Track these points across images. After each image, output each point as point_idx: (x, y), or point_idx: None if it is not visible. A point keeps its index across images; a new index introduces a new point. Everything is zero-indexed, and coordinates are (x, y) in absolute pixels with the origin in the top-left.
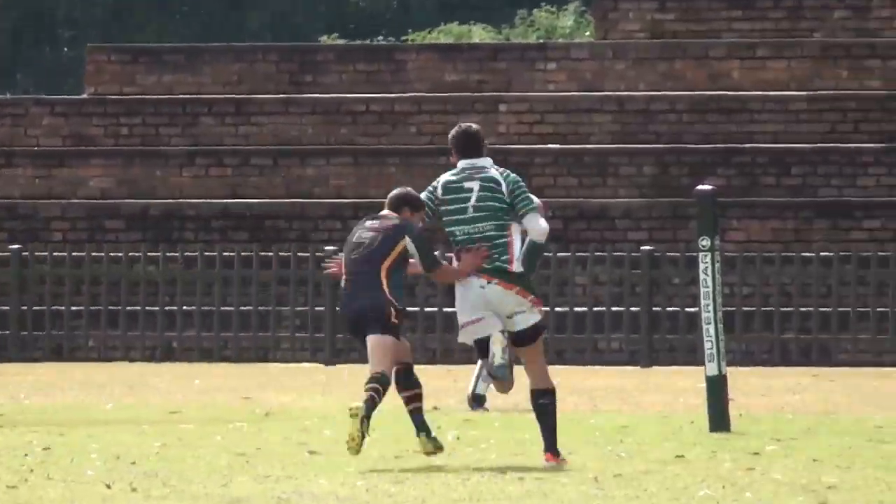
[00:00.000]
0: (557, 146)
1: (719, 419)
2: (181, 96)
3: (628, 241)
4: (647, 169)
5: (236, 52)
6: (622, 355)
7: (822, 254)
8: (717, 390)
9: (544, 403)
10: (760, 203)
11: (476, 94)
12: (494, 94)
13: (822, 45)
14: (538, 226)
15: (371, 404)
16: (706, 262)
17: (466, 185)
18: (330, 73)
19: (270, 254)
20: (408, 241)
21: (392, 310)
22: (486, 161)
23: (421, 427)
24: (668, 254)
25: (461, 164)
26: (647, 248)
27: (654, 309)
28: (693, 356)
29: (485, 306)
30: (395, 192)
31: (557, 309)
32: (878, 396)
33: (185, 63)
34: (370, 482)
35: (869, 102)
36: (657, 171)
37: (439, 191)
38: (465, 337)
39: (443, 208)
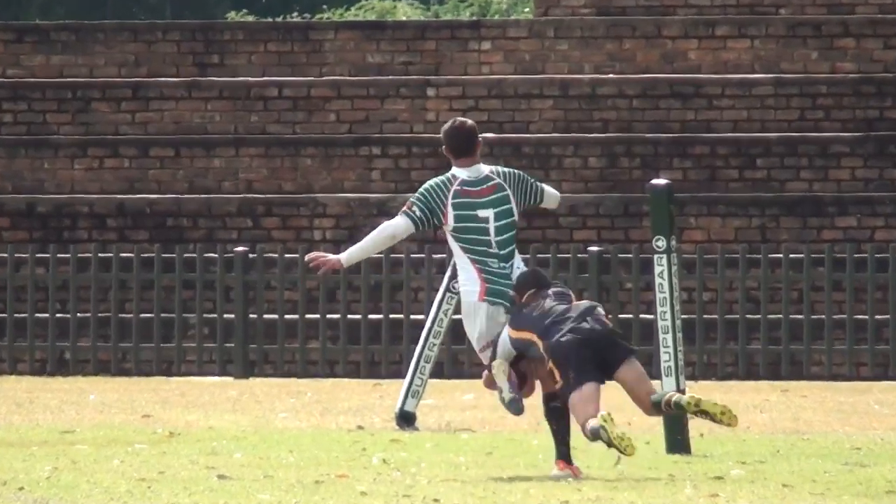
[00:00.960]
0: (493, 135)
1: (678, 440)
2: (72, 80)
3: (574, 241)
4: (594, 161)
5: (133, 30)
6: None
7: (791, 255)
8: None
9: (558, 406)
10: (722, 199)
11: (402, 77)
12: (422, 77)
13: (789, 22)
14: (554, 193)
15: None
16: (662, 265)
17: (481, 213)
18: (238, 53)
19: (173, 255)
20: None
21: None
22: (483, 167)
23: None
24: (620, 255)
25: (461, 174)
26: (596, 248)
27: None
28: (648, 369)
29: (497, 327)
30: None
31: None
32: (855, 414)
33: (75, 43)
34: None
35: (841, 87)
36: (605, 163)
37: (451, 218)
38: (484, 358)
39: (458, 234)
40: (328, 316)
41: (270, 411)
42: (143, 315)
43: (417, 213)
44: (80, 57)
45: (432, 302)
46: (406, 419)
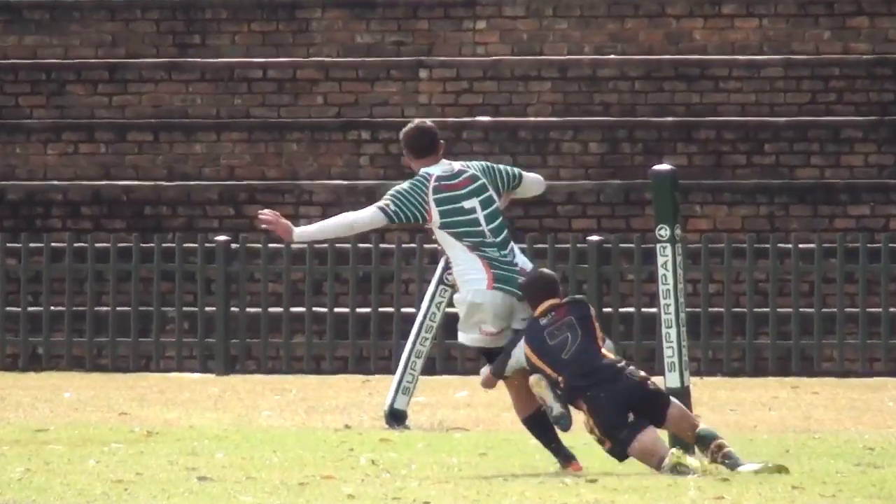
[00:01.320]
0: (489, 119)
1: (681, 440)
2: (45, 61)
3: (573, 230)
4: (595, 146)
5: (110, 8)
6: None
7: (801, 245)
8: None
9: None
10: (728, 186)
11: (393, 58)
12: (414, 58)
13: (800, 0)
14: (538, 178)
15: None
16: (665, 256)
17: (466, 205)
18: (221, 33)
19: (152, 245)
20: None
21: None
22: (453, 162)
23: None
24: (621, 245)
25: (434, 171)
26: (596, 238)
27: (604, 310)
28: (651, 365)
29: (507, 317)
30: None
31: None
32: (868, 412)
33: (50, 22)
34: None
35: (855, 68)
36: (606, 148)
37: (435, 214)
38: (479, 342)
39: (449, 228)
40: (314, 309)
41: (253, 409)
42: (119, 308)
43: (392, 206)
44: (55, 37)
45: (424, 294)
46: (396, 417)
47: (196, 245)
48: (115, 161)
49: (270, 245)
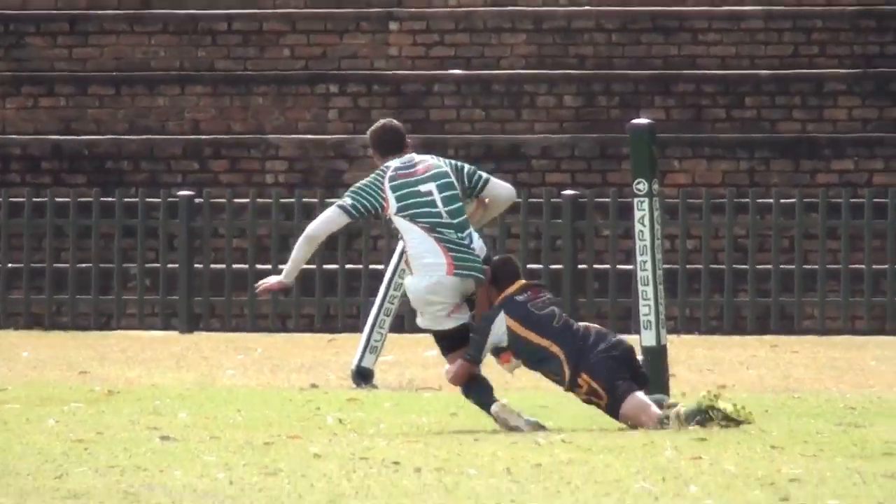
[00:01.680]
0: (461, 72)
1: (656, 398)
2: (3, 12)
3: (546, 184)
4: (570, 99)
5: None
6: None
7: (782, 200)
8: (655, 364)
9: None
10: (707, 140)
11: (362, 9)
12: (384, 9)
13: None
14: (507, 187)
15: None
16: (643, 210)
17: (422, 188)
18: None
19: (113, 200)
20: None
21: None
22: (411, 155)
23: None
24: (596, 200)
25: (393, 163)
26: (570, 192)
27: (578, 267)
28: (626, 323)
29: (463, 297)
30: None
31: None
32: (850, 371)
33: None
34: (235, 474)
35: (839, 20)
36: (582, 101)
37: (392, 200)
38: (450, 324)
39: (405, 212)
40: (280, 266)
41: (217, 368)
42: (80, 265)
43: (349, 201)
44: None
45: (392, 251)
46: (363, 376)
47: (159, 200)
48: (76, 115)
49: (235, 200)
